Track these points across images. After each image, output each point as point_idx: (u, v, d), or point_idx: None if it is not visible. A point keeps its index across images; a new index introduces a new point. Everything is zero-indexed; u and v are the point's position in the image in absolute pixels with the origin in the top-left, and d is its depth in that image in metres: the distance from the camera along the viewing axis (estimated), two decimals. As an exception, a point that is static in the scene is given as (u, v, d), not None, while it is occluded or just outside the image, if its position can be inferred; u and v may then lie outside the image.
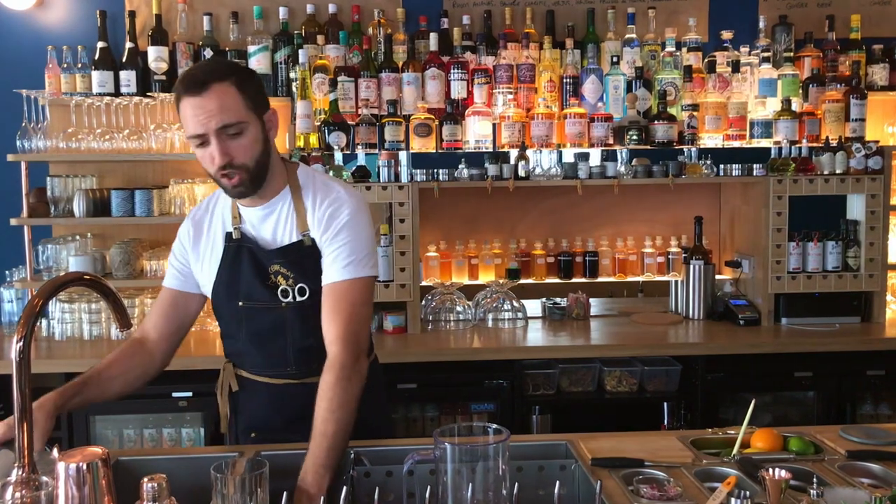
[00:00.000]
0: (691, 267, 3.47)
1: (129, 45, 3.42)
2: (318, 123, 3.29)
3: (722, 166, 3.37)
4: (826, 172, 3.32)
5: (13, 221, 3.24)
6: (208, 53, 3.40)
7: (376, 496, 1.44)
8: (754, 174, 3.34)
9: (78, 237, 3.42)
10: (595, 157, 3.47)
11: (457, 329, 3.37)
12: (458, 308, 3.41)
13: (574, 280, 3.55)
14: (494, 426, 1.41)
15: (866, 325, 3.35)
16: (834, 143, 3.35)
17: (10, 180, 3.30)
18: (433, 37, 3.39)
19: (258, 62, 3.37)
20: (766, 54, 3.45)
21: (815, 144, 3.38)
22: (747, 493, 1.31)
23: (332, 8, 3.49)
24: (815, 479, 1.42)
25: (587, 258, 3.55)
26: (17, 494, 1.31)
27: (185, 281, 1.93)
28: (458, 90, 3.37)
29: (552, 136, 3.34)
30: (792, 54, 3.47)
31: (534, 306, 3.56)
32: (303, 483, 1.53)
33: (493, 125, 3.39)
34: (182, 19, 3.47)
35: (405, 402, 3.12)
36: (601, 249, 3.58)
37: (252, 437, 1.91)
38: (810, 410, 3.19)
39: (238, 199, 1.82)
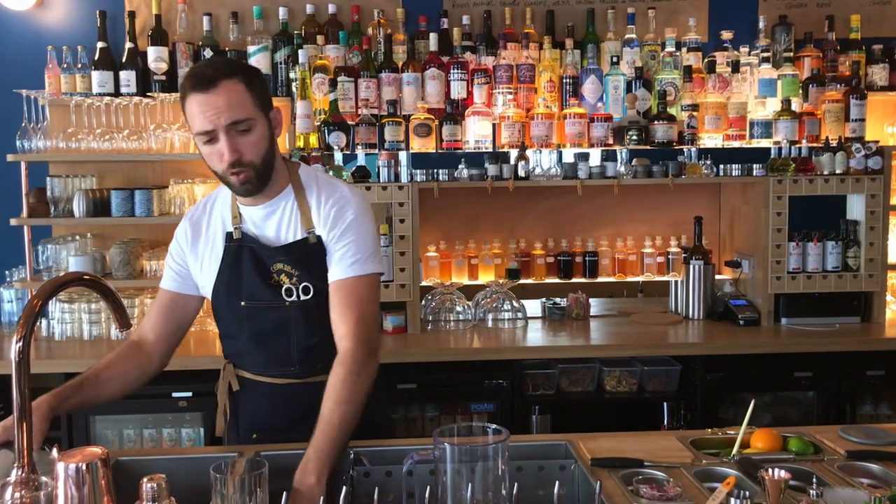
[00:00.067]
0: (691, 267, 3.47)
1: (128, 45, 3.42)
2: (318, 123, 3.30)
3: (722, 166, 3.37)
4: (826, 172, 3.32)
5: (13, 221, 3.24)
6: (208, 53, 3.40)
7: (376, 496, 1.44)
8: (754, 174, 3.34)
9: (78, 237, 3.43)
10: (595, 157, 3.47)
11: (457, 329, 3.37)
12: (458, 308, 3.41)
13: (574, 280, 3.55)
14: (494, 426, 1.41)
15: (866, 325, 3.35)
16: (834, 144, 3.35)
17: (10, 180, 3.30)
18: (433, 37, 3.39)
19: (258, 62, 3.37)
20: (765, 54, 3.45)
21: (814, 144, 3.38)
22: (747, 493, 1.31)
23: (331, 8, 3.49)
24: (814, 480, 1.42)
25: (587, 258, 3.55)
26: (17, 494, 1.30)
27: (182, 283, 1.93)
28: (457, 90, 3.37)
29: (552, 136, 3.34)
30: (792, 54, 3.47)
31: (533, 306, 3.56)
32: (304, 471, 1.53)
33: (493, 125, 3.39)
34: (182, 19, 3.47)
35: (405, 402, 3.12)
36: (601, 249, 3.58)
37: (253, 439, 1.91)
38: (810, 410, 3.19)
39: (244, 196, 1.81)
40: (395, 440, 1.95)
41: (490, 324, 3.39)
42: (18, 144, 3.25)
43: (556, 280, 3.57)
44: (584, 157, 3.43)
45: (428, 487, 1.42)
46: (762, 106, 3.43)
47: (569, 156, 3.45)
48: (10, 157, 3.21)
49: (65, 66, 3.36)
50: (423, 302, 3.42)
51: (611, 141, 3.36)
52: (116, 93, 3.36)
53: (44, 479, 1.33)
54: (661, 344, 3.16)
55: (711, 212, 3.69)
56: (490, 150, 3.37)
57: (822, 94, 3.43)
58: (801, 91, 3.46)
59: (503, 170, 3.29)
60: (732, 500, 1.30)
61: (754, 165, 3.34)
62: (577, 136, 3.33)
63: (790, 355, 3.13)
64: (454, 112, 3.33)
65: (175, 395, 2.98)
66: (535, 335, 3.29)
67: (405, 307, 3.29)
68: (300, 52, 3.31)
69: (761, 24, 3.56)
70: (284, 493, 1.43)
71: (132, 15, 3.44)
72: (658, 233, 3.61)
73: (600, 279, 3.57)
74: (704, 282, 3.47)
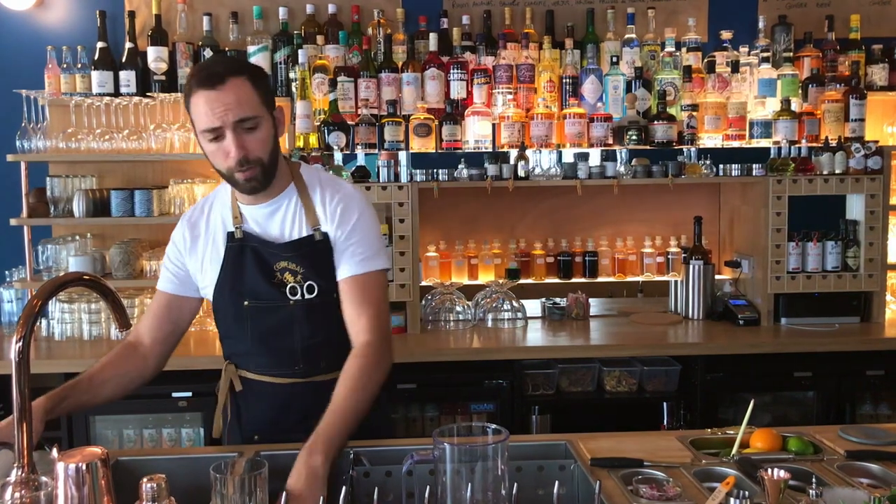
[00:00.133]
0: (691, 267, 3.47)
1: (128, 45, 3.42)
2: (318, 123, 3.30)
3: (721, 166, 3.37)
4: (825, 172, 3.32)
5: (13, 221, 3.24)
6: (208, 53, 3.40)
7: (375, 496, 1.44)
8: (754, 174, 3.34)
9: (78, 237, 3.43)
10: (594, 157, 3.47)
11: (456, 329, 3.37)
12: (458, 308, 3.41)
13: (574, 280, 3.55)
14: (494, 426, 1.41)
15: (866, 325, 3.35)
16: (833, 143, 3.35)
17: (9, 180, 3.30)
18: (433, 37, 3.39)
19: (258, 62, 3.36)
20: (765, 54, 3.45)
21: (814, 144, 3.38)
22: (746, 493, 1.31)
23: (331, 8, 3.49)
24: (814, 480, 1.42)
25: (587, 258, 3.55)
26: (17, 494, 1.31)
27: (179, 285, 1.92)
28: (457, 90, 3.37)
29: (552, 136, 3.35)
30: (791, 54, 3.47)
31: (533, 306, 3.56)
32: (312, 450, 1.53)
33: (493, 125, 3.39)
34: (182, 19, 3.47)
35: (405, 402, 3.12)
36: (601, 249, 3.58)
37: (255, 440, 1.90)
38: (810, 410, 3.19)
39: (249, 194, 1.81)
40: (395, 440, 1.95)
41: (490, 324, 3.39)
42: (18, 144, 3.25)
43: (556, 280, 3.57)
44: (584, 157, 3.43)
45: (428, 487, 1.42)
46: (762, 106, 3.43)
47: (568, 156, 3.45)
48: (9, 157, 3.21)
49: (65, 66, 3.36)
50: (423, 302, 3.42)
51: (610, 141, 3.36)
52: (116, 93, 3.36)
53: (44, 479, 1.33)
54: (661, 344, 3.16)
55: (711, 212, 3.69)
56: (490, 150, 3.37)
57: (822, 94, 3.43)
58: (800, 91, 3.46)
59: (503, 170, 3.29)
60: (732, 499, 1.30)
61: (754, 165, 3.34)
62: (577, 136, 3.33)
63: (790, 355, 3.13)
64: (454, 112, 3.33)
65: (175, 395, 2.98)
66: (535, 335, 3.29)
67: (405, 307, 3.29)
68: (300, 52, 3.31)
69: (761, 24, 3.56)
70: (284, 494, 1.43)
71: (132, 15, 3.44)
72: (658, 233, 3.61)
73: (600, 279, 3.57)
74: (704, 282, 3.47)
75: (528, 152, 3.35)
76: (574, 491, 1.66)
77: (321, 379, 1.84)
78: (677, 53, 3.46)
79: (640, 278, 3.59)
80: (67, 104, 3.30)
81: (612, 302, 3.66)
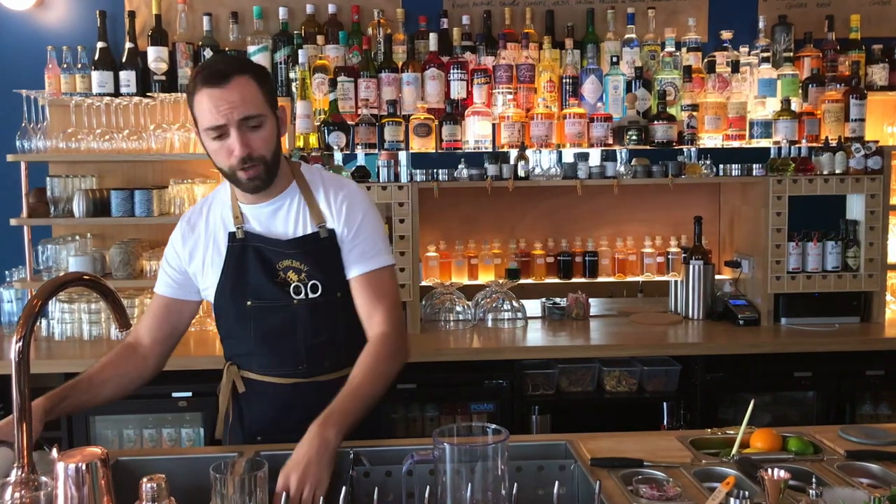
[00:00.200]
0: (691, 267, 3.47)
1: (128, 45, 3.42)
2: (318, 123, 3.30)
3: (721, 166, 3.37)
4: (825, 172, 3.32)
5: (13, 221, 3.24)
6: (208, 54, 3.40)
7: (375, 496, 1.44)
8: (754, 174, 3.34)
9: (78, 237, 3.43)
10: (594, 157, 3.47)
11: (456, 329, 3.37)
12: (458, 308, 3.41)
13: (574, 280, 3.55)
14: (493, 426, 1.41)
15: (866, 325, 3.35)
16: (833, 143, 3.35)
17: (9, 180, 3.30)
18: (433, 37, 3.39)
19: (258, 62, 3.36)
20: (765, 54, 3.45)
21: (814, 144, 3.38)
22: (746, 493, 1.31)
23: (331, 8, 3.49)
24: (814, 480, 1.42)
25: (587, 258, 3.55)
26: (17, 494, 1.30)
27: (178, 288, 1.92)
28: (457, 90, 3.37)
29: (552, 136, 3.35)
30: (791, 54, 3.47)
31: (533, 306, 3.56)
32: (326, 422, 1.56)
33: (493, 125, 3.39)
34: (182, 19, 3.47)
35: (405, 402, 3.12)
36: (601, 249, 3.58)
37: (258, 441, 1.89)
38: (810, 410, 3.19)
39: (252, 192, 1.81)
40: (395, 440, 1.95)
41: (490, 324, 3.39)
42: (18, 144, 3.25)
43: (556, 280, 3.57)
44: (584, 157, 3.43)
45: (428, 487, 1.42)
46: (762, 106, 3.43)
47: (568, 156, 3.45)
48: (9, 157, 3.21)
49: (65, 66, 3.36)
50: (423, 302, 3.42)
51: (610, 141, 3.36)
52: (116, 93, 3.36)
53: (44, 479, 1.33)
54: (661, 344, 3.16)
55: (711, 212, 3.69)
56: (490, 150, 3.37)
57: (822, 94, 3.43)
58: (800, 91, 3.46)
59: (503, 170, 3.29)
60: (732, 499, 1.30)
61: (754, 165, 3.34)
62: (577, 136, 3.33)
63: (790, 355, 3.13)
64: (454, 112, 3.33)
65: (175, 395, 2.98)
66: (535, 335, 3.29)
67: (405, 307, 3.28)
68: (300, 52, 3.31)
69: (761, 24, 3.56)
70: (284, 493, 1.43)
71: (132, 15, 3.44)
72: (658, 233, 3.61)
73: (600, 279, 3.57)
74: (704, 282, 3.47)
75: (528, 152, 3.35)
76: (574, 491, 1.66)
77: (324, 379, 1.84)
78: (677, 53, 3.46)
79: (640, 278, 3.59)
80: (67, 104, 3.30)
81: (612, 302, 3.66)
